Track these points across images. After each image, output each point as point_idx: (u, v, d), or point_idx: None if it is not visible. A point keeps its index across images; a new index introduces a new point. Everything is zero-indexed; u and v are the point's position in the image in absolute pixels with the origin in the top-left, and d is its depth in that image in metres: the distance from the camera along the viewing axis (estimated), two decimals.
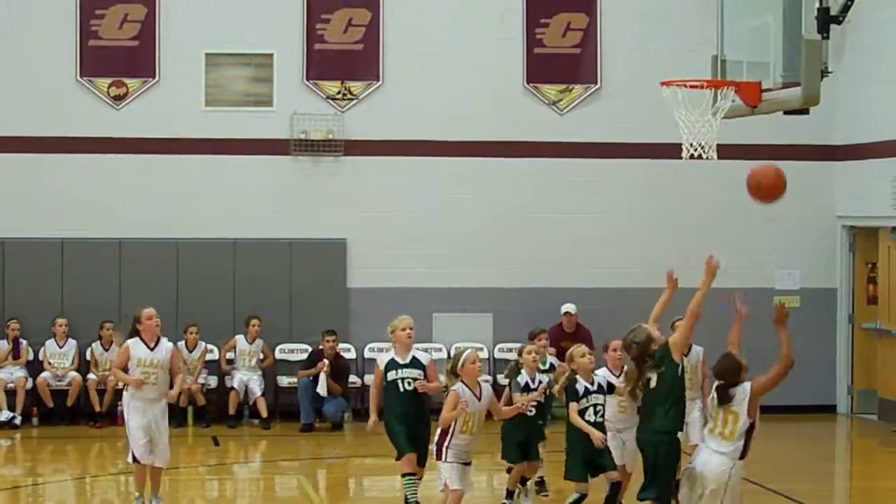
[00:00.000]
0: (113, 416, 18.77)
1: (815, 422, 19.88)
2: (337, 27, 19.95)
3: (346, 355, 19.52)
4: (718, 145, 13.44)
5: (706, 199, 20.23)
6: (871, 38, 19.34)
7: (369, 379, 19.45)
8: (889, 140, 19.24)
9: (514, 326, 19.41)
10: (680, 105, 13.26)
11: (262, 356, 19.47)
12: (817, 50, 12.57)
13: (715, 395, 10.57)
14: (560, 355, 14.65)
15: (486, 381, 13.43)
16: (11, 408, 18.91)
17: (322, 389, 18.77)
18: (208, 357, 19.42)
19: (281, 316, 19.69)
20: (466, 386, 11.46)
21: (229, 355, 19.51)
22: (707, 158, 13.45)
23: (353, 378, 19.46)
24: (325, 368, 18.77)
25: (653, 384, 10.92)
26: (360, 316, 19.78)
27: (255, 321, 19.33)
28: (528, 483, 13.77)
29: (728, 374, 10.48)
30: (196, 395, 19.02)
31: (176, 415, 17.62)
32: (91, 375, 19.12)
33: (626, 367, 11.88)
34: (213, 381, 19.46)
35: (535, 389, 13.26)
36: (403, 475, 12.52)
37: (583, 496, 12.25)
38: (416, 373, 12.62)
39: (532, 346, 13.66)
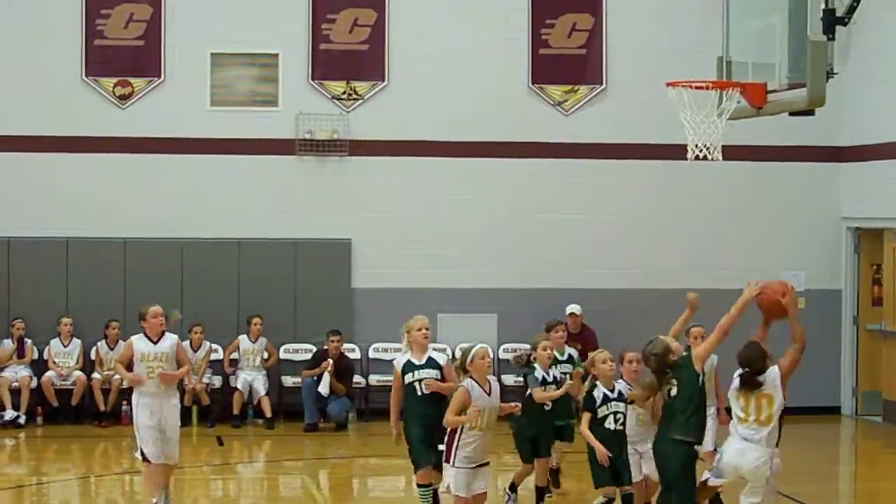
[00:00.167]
0: (118, 416, 18.79)
1: (819, 423, 19.85)
2: (342, 27, 19.95)
3: (351, 355, 19.53)
4: (724, 146, 13.42)
5: (711, 200, 20.24)
6: (876, 40, 19.33)
7: (374, 379, 19.63)
8: (894, 141, 19.22)
9: (519, 327, 19.42)
10: (685, 106, 13.25)
11: (266, 355, 19.48)
12: (823, 51, 12.55)
13: (738, 383, 10.58)
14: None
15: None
16: (16, 407, 18.92)
17: (324, 389, 18.76)
18: (213, 357, 19.43)
19: (285, 316, 19.69)
20: (476, 382, 11.30)
21: (233, 356, 19.52)
22: (712, 159, 13.43)
23: (357, 378, 19.46)
24: (328, 368, 18.77)
25: (673, 392, 10.86)
26: (364, 316, 19.78)
27: (256, 320, 19.34)
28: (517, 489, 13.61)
29: (754, 361, 10.50)
30: (200, 395, 19.03)
31: (180, 414, 17.58)
32: (96, 375, 19.12)
33: (640, 377, 11.88)
34: (217, 381, 19.47)
35: (552, 383, 13.10)
36: (419, 485, 12.47)
37: (610, 500, 12.03)
38: (432, 373, 12.46)
39: (547, 342, 13.41)
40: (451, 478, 11.15)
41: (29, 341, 19.29)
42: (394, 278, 19.78)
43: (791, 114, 13.41)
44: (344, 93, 19.97)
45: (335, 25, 19.93)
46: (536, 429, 13.16)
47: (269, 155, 19.82)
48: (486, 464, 11.27)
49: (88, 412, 19.13)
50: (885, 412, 19.90)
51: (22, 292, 19.30)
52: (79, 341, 19.31)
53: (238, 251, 19.68)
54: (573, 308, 19.19)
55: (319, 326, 19.27)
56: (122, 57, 19.65)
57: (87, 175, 19.53)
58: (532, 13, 20.13)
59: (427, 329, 12.61)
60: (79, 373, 19.16)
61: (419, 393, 12.41)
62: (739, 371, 10.65)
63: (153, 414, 12.94)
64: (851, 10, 16.87)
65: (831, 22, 13.35)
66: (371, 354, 19.81)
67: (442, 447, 11.51)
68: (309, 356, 19.43)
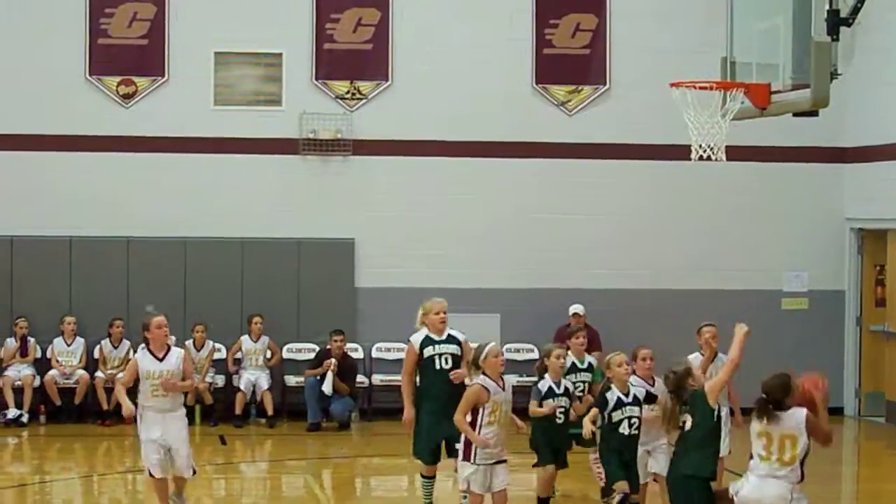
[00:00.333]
0: (121, 415, 18.75)
1: None
2: (346, 27, 19.95)
3: (354, 355, 19.52)
4: (727, 147, 13.42)
5: (715, 200, 20.22)
6: (880, 41, 19.32)
7: (377, 379, 19.63)
8: None
9: (522, 327, 19.43)
10: (689, 106, 13.25)
11: (269, 354, 19.48)
12: (827, 52, 12.54)
13: (756, 414, 10.08)
14: None
15: None
16: (19, 405, 18.94)
17: (327, 388, 18.75)
18: (216, 356, 19.43)
19: (288, 315, 19.69)
20: (489, 378, 11.29)
21: (237, 356, 19.51)
22: (716, 160, 13.43)
23: (360, 378, 19.45)
24: (331, 367, 18.77)
25: (687, 427, 10.55)
26: (367, 316, 19.78)
27: (257, 319, 19.34)
28: None
29: (773, 390, 10.02)
30: (203, 394, 19.03)
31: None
32: (99, 374, 19.12)
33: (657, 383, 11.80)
34: (220, 381, 19.47)
35: (560, 394, 12.61)
36: (422, 476, 12.41)
37: (626, 495, 11.78)
38: (453, 348, 12.39)
39: (560, 351, 12.81)
40: (470, 473, 11.17)
41: (32, 340, 19.30)
42: (397, 278, 19.77)
43: (795, 114, 13.41)
44: (347, 92, 19.97)
45: (339, 25, 19.93)
46: (549, 438, 12.69)
47: (273, 154, 19.82)
48: (505, 461, 11.29)
49: (91, 411, 19.14)
50: (889, 413, 19.88)
51: (25, 291, 19.30)
52: (82, 340, 19.32)
53: (241, 250, 19.67)
54: (576, 308, 19.18)
55: (322, 326, 19.27)
56: (126, 56, 19.66)
57: (91, 174, 19.53)
58: (536, 13, 20.12)
59: (445, 313, 12.51)
60: (82, 371, 19.16)
61: (437, 367, 12.31)
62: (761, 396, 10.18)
63: (158, 429, 12.64)
64: (855, 10, 16.91)
65: (835, 23, 13.37)
66: (374, 354, 19.81)
67: (459, 445, 11.36)
68: (312, 356, 19.43)
